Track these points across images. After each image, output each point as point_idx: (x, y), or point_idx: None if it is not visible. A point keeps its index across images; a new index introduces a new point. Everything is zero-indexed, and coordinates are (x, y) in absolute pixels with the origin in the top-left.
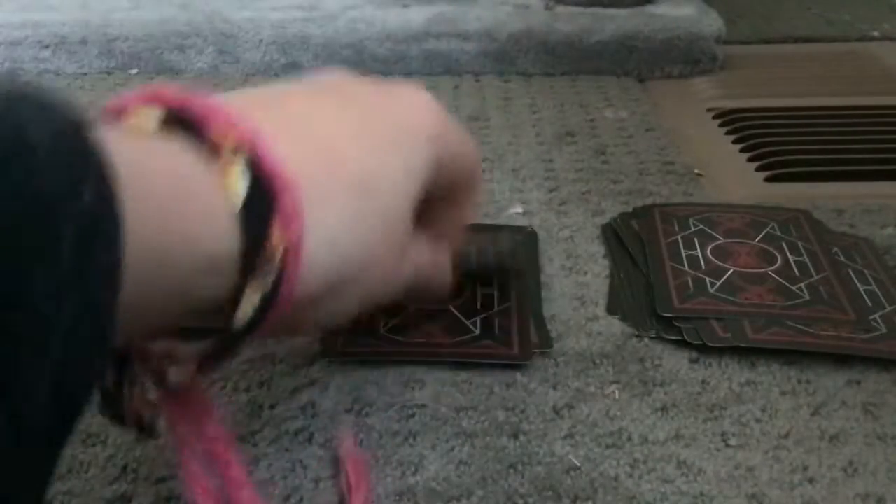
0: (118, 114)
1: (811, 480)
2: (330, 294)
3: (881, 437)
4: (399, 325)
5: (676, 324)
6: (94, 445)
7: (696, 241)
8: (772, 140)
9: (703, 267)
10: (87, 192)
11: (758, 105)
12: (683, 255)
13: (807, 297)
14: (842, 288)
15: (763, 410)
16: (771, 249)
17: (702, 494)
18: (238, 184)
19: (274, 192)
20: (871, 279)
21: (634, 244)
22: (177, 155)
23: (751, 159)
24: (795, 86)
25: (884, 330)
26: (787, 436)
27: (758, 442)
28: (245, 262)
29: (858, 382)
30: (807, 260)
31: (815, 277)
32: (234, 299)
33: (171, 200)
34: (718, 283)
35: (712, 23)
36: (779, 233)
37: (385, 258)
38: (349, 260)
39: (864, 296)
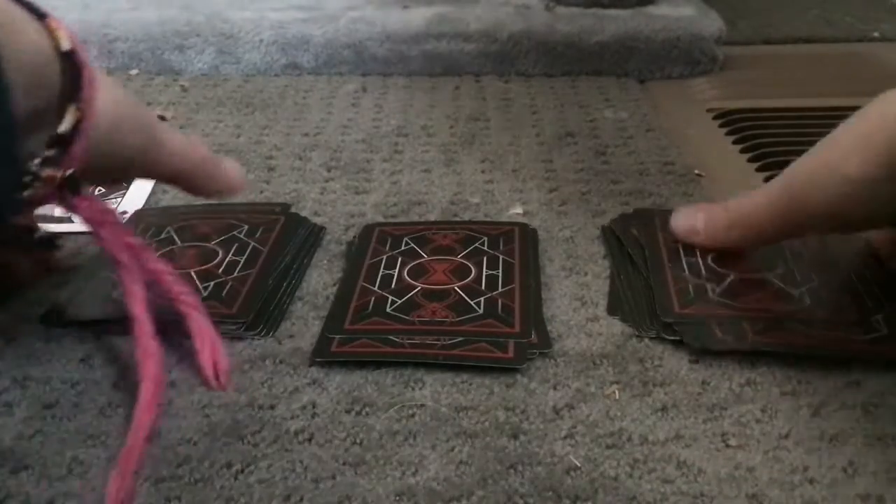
0: None
1: (811, 480)
2: (115, 128)
3: (881, 437)
4: (406, 304)
5: (677, 329)
6: (94, 446)
7: (695, 248)
8: (772, 140)
9: (704, 273)
10: None
11: (758, 105)
12: (684, 261)
13: (808, 301)
14: (841, 290)
15: (763, 411)
16: (771, 256)
17: (702, 494)
18: (63, 42)
19: (82, 58)
20: (871, 280)
21: (635, 248)
22: (29, 22)
23: (751, 159)
24: (795, 86)
25: (885, 331)
26: (787, 436)
27: (758, 442)
28: (64, 87)
29: (858, 383)
30: (804, 264)
31: (815, 282)
32: (60, 116)
33: (18, 34)
34: (719, 288)
35: (712, 23)
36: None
37: (145, 117)
38: (122, 103)
39: (865, 297)
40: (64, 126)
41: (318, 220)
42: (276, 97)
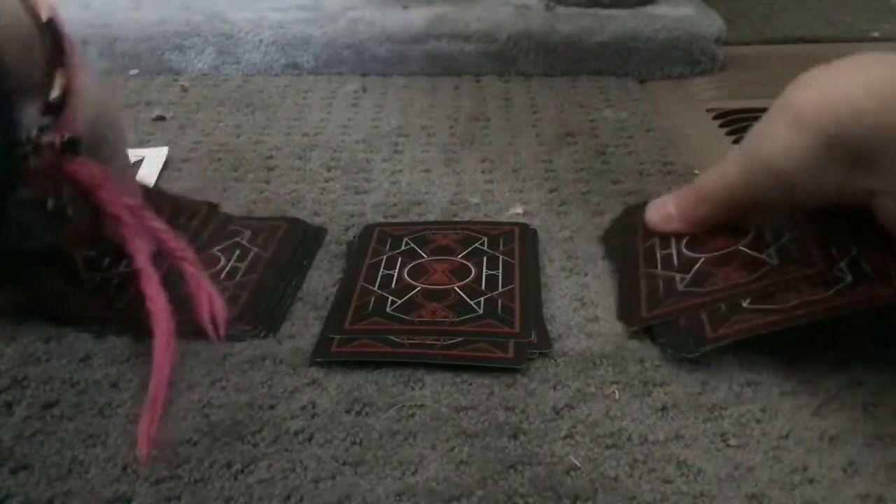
0: None
1: (811, 480)
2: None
3: (881, 437)
4: (405, 304)
5: (656, 334)
6: (94, 445)
7: (672, 239)
8: None
9: (676, 263)
10: None
11: (758, 105)
12: (658, 256)
13: (775, 261)
14: (810, 241)
15: (763, 410)
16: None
17: (702, 494)
18: (42, 11)
19: (61, 26)
20: (843, 225)
21: (614, 258)
22: None
23: None
24: None
25: (849, 278)
26: (787, 436)
27: (758, 442)
28: (49, 55)
29: (859, 383)
30: (777, 221)
31: (784, 239)
32: (49, 83)
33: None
34: (688, 277)
35: (712, 23)
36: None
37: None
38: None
39: (832, 245)
40: (55, 92)
41: (318, 221)
42: (276, 97)
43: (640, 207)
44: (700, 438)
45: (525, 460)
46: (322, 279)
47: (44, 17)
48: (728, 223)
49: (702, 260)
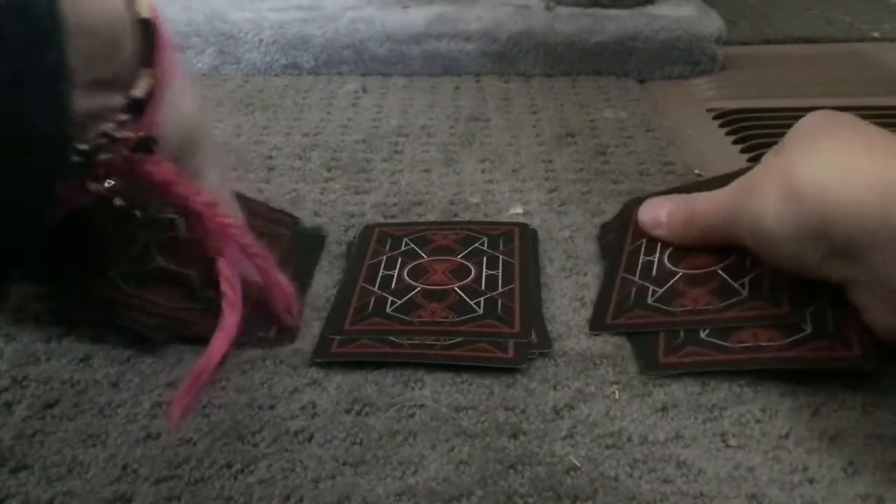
0: None
1: (811, 480)
2: (174, 107)
3: (881, 437)
4: (405, 304)
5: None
6: (94, 445)
7: (658, 245)
8: (772, 140)
9: (654, 273)
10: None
11: (758, 105)
12: (640, 261)
13: (745, 293)
14: (784, 280)
15: (763, 410)
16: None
17: (702, 494)
18: (143, 10)
19: (160, 27)
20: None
21: (607, 255)
22: None
23: (751, 159)
24: (795, 86)
25: (808, 329)
26: (787, 436)
27: (758, 442)
28: (140, 53)
29: (859, 383)
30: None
31: (760, 272)
32: (132, 82)
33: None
34: (660, 292)
35: (712, 23)
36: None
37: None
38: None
39: (804, 290)
40: (138, 91)
41: (318, 221)
42: (276, 97)
43: (640, 201)
44: (700, 438)
45: (525, 460)
46: (322, 280)
47: (144, 13)
48: (713, 246)
49: (679, 274)
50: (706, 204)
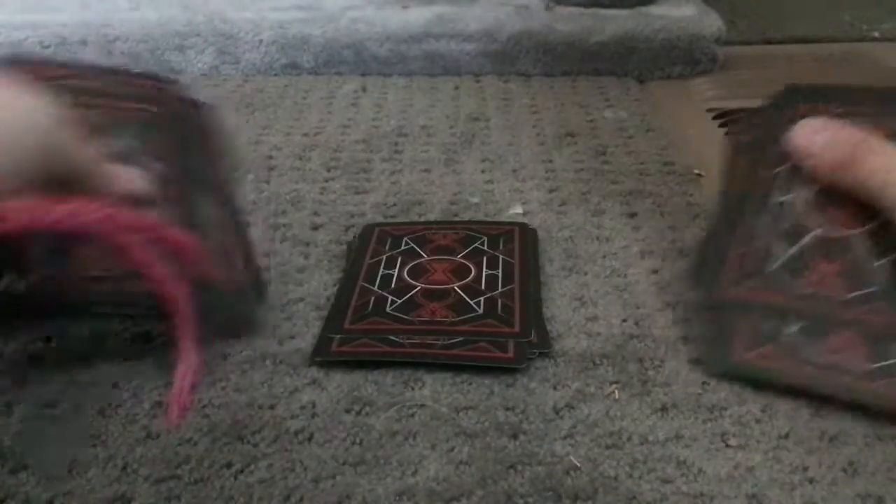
0: None
1: (811, 480)
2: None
3: (881, 437)
4: (405, 304)
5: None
6: (94, 445)
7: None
8: None
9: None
10: None
11: (757, 105)
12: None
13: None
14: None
15: (763, 410)
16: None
17: (702, 494)
18: None
19: None
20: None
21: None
22: None
23: None
24: None
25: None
26: (787, 436)
27: (758, 442)
28: None
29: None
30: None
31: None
32: None
33: None
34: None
35: (712, 23)
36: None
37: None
38: None
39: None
40: None
41: (317, 220)
42: (276, 97)
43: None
44: (700, 438)
45: (525, 460)
46: (322, 279)
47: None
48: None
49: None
50: (883, 155)
